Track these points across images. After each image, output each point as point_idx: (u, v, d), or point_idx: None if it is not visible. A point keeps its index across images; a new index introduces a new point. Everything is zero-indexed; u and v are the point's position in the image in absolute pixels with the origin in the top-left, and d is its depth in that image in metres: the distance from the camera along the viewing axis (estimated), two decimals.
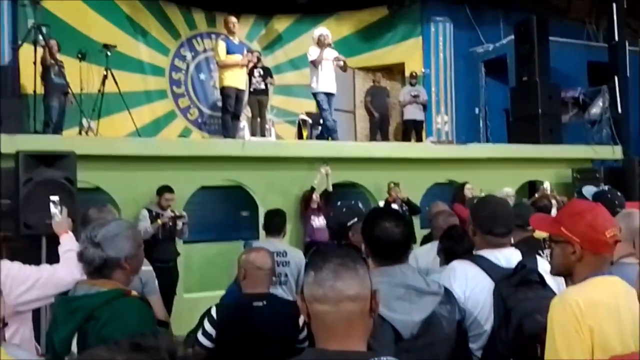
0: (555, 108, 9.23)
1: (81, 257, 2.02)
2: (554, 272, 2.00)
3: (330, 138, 8.01)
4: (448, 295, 2.08)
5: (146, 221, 5.74)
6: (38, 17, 7.00)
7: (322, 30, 8.39)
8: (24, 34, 7.24)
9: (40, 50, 6.92)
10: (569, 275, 1.90)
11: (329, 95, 8.10)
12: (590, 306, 1.71)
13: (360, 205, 3.62)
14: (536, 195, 7.33)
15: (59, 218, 3.02)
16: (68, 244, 2.79)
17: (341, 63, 8.22)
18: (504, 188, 7.18)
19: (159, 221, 5.71)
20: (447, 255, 3.08)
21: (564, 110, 9.94)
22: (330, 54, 8.14)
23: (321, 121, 8.41)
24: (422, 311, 1.95)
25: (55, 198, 3.15)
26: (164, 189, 5.90)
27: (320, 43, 8.10)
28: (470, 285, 2.25)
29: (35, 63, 6.78)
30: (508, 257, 2.30)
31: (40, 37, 6.84)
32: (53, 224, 3.01)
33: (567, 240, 1.86)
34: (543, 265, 2.32)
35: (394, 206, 6.76)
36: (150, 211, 5.85)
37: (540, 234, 3.92)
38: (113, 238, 2.00)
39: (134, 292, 2.04)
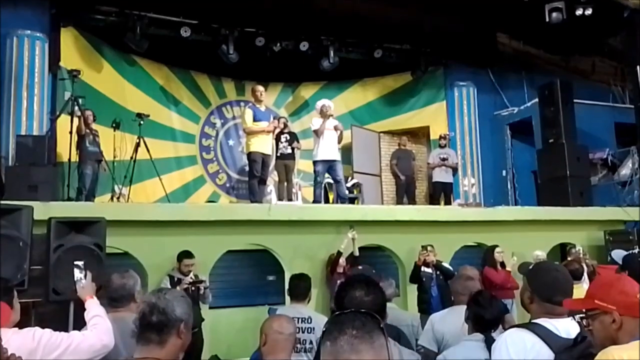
0: (584, 170, 9.15)
1: (145, 322, 1.96)
2: (599, 348, 1.94)
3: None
4: None
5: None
6: (76, 89, 7.35)
7: (324, 101, 8.66)
8: (62, 106, 7.60)
9: (76, 120, 7.25)
10: (616, 343, 1.89)
11: (331, 162, 8.28)
12: None
13: (373, 272, 3.59)
14: (568, 258, 7.16)
15: (83, 283, 3.04)
16: (94, 310, 2.80)
17: (338, 132, 8.42)
18: (535, 251, 7.05)
19: (179, 287, 5.72)
20: (475, 322, 3.00)
21: (593, 171, 9.84)
22: (332, 123, 8.36)
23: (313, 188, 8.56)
24: None
25: (79, 263, 3.20)
26: (183, 255, 5.92)
27: (323, 113, 8.35)
28: (530, 356, 2.15)
29: (71, 132, 7.09)
30: (566, 327, 2.21)
31: (77, 108, 7.18)
32: (77, 289, 3.03)
33: (604, 312, 1.90)
34: None
35: (427, 270, 6.63)
36: (172, 277, 5.87)
37: None
38: (173, 302, 2.00)
39: None
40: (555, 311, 2.24)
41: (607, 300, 1.89)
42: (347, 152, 11.07)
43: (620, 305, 1.86)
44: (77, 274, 3.06)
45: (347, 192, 8.98)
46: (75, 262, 3.12)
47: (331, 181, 9.25)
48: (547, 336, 2.16)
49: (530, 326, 2.26)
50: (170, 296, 2.02)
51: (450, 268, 6.69)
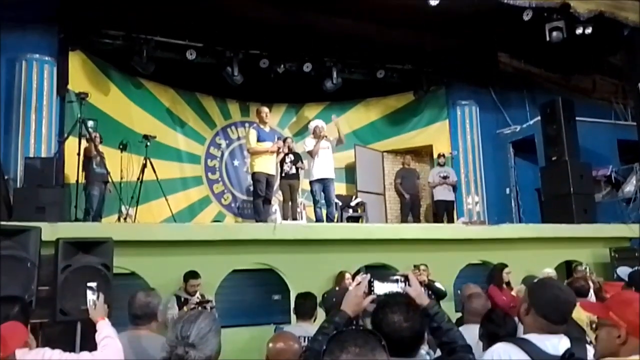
0: (588, 187, 9.16)
1: None
2: (598, 355, 2.02)
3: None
4: None
5: (174, 309, 5.76)
6: (84, 112, 7.46)
7: (317, 122, 8.93)
8: (70, 128, 7.71)
9: (84, 142, 7.35)
10: (614, 357, 1.96)
11: (325, 180, 8.50)
12: None
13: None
14: (574, 275, 7.15)
15: (95, 304, 3.06)
16: (105, 331, 2.82)
17: (332, 139, 8.68)
18: (545, 269, 7.01)
19: (185, 308, 5.74)
20: (490, 340, 3.00)
21: (596, 189, 9.85)
22: (326, 144, 8.60)
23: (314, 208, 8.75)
24: None
25: (92, 284, 3.23)
26: (189, 275, 5.93)
27: (316, 134, 8.60)
28: None
29: (79, 154, 7.19)
30: (556, 344, 2.20)
31: (88, 130, 7.29)
32: (90, 310, 3.05)
33: (613, 325, 1.97)
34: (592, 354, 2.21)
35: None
36: (178, 297, 5.88)
37: (579, 317, 3.82)
38: (207, 335, 1.93)
39: None
40: (548, 328, 2.24)
41: (621, 316, 1.96)
42: (350, 171, 11.14)
43: (631, 325, 1.93)
44: (90, 295, 3.08)
45: (350, 210, 9.08)
46: (89, 284, 3.14)
47: (336, 200, 9.33)
48: (533, 352, 2.17)
49: (518, 341, 2.28)
50: (197, 338, 1.90)
51: (442, 288, 6.60)
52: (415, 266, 6.69)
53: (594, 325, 2.14)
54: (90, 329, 3.04)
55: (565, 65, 10.99)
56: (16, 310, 2.51)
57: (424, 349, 2.63)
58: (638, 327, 1.93)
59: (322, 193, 8.56)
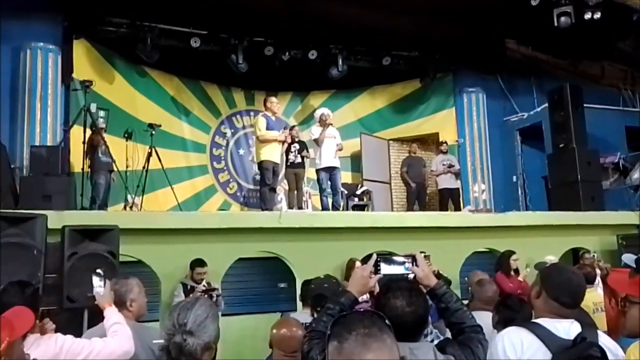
0: (595, 174, 9.10)
1: (179, 350, 1.83)
2: (626, 333, 1.97)
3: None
4: None
5: (180, 297, 5.78)
6: (88, 100, 7.45)
7: (323, 110, 8.93)
8: (75, 116, 7.71)
9: (88, 131, 7.34)
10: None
11: (332, 169, 8.51)
12: None
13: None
14: (581, 262, 7.11)
15: (102, 291, 3.05)
16: (113, 317, 2.82)
17: (340, 147, 8.72)
18: (546, 256, 6.99)
19: (192, 296, 5.76)
20: (506, 326, 2.98)
21: (604, 176, 9.78)
22: (332, 132, 8.60)
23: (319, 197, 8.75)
24: None
25: (99, 271, 3.23)
26: (195, 263, 5.96)
27: (322, 122, 8.60)
28: (526, 355, 2.13)
29: (84, 143, 7.19)
30: (567, 328, 2.17)
31: (90, 119, 7.29)
32: (97, 297, 3.04)
33: None
34: (604, 339, 2.18)
35: None
36: (185, 285, 5.92)
37: (586, 304, 3.80)
38: (204, 322, 1.90)
39: None
40: (560, 312, 2.22)
41: None
42: (356, 159, 11.11)
43: None
44: (97, 281, 3.07)
45: (356, 199, 9.08)
46: (97, 271, 3.14)
47: (342, 189, 9.32)
48: (545, 336, 2.13)
49: (529, 325, 2.24)
50: (194, 325, 1.87)
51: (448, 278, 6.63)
52: (421, 252, 6.69)
53: (621, 302, 2.04)
54: (97, 315, 3.04)
55: (573, 51, 10.86)
56: (24, 295, 2.51)
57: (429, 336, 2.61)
58: None
59: (328, 181, 8.54)
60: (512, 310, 3.00)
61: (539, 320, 2.24)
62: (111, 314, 2.86)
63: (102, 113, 7.89)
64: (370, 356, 1.34)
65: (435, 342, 2.43)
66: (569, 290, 2.23)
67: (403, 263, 2.19)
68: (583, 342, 2.05)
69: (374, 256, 2.21)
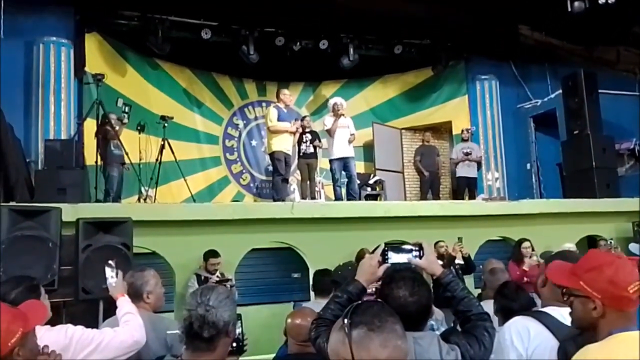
0: (611, 160, 9.00)
1: (202, 320, 1.91)
2: (576, 327, 1.86)
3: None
4: None
5: (194, 287, 5.84)
6: (101, 93, 7.50)
7: (336, 99, 8.84)
8: (87, 110, 7.77)
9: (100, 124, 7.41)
10: (593, 330, 1.75)
11: (345, 159, 8.44)
12: None
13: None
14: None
15: (114, 282, 3.07)
16: (125, 307, 2.84)
17: (352, 138, 8.62)
18: (565, 244, 6.93)
19: None
20: (504, 314, 2.98)
21: (619, 162, 9.65)
22: (345, 122, 8.53)
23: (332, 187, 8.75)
24: None
25: (111, 262, 3.26)
26: (209, 254, 6.01)
27: (335, 112, 8.54)
28: (534, 344, 2.13)
29: (98, 136, 7.25)
30: None
31: (102, 112, 7.34)
32: (109, 288, 3.05)
33: (586, 296, 1.73)
34: None
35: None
36: (199, 276, 5.98)
37: None
38: (226, 300, 1.98)
39: None
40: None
41: (593, 286, 1.70)
42: (369, 149, 11.09)
43: (605, 296, 1.68)
44: (109, 272, 3.10)
45: (368, 189, 9.04)
46: (109, 262, 3.17)
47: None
48: (552, 324, 2.12)
49: (536, 314, 2.23)
50: (216, 301, 1.95)
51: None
52: (459, 238, 6.79)
53: (564, 298, 1.90)
54: (112, 306, 3.07)
55: (588, 37, 10.68)
56: (20, 289, 2.51)
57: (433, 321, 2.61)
58: (615, 297, 1.67)
59: (342, 171, 8.50)
60: (508, 299, 3.00)
61: (546, 309, 2.23)
62: (124, 304, 2.88)
63: (126, 108, 7.96)
64: (400, 342, 1.40)
65: (436, 326, 2.43)
66: None
67: (410, 251, 2.20)
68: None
69: (382, 245, 2.21)
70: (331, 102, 8.88)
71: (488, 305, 3.51)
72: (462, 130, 10.45)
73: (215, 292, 1.99)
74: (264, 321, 7.58)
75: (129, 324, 2.70)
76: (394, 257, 2.18)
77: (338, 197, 8.48)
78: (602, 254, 1.91)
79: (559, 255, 2.46)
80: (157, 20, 9.21)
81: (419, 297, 2.00)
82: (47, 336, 2.39)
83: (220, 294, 1.99)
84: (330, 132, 8.52)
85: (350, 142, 8.58)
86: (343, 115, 8.57)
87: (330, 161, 8.59)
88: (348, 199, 8.30)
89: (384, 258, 2.18)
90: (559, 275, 1.88)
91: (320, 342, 2.07)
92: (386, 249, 2.20)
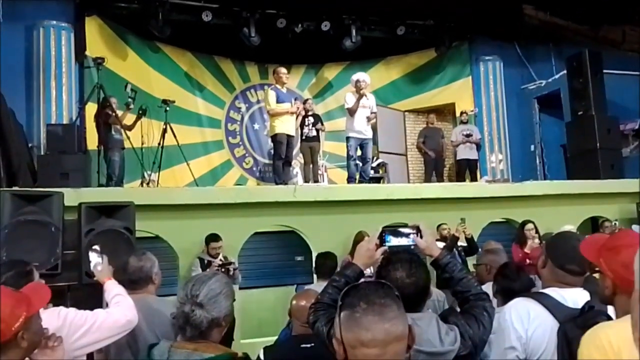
0: (615, 141, 8.95)
1: (185, 319, 1.92)
2: (600, 301, 1.86)
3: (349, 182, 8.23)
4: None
5: (197, 271, 5.85)
6: (101, 77, 7.46)
7: (359, 75, 8.45)
8: (89, 94, 7.74)
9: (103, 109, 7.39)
10: (612, 306, 1.77)
11: (363, 140, 8.24)
12: (625, 343, 1.50)
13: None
14: (601, 231, 7.05)
15: (100, 266, 3.05)
16: (114, 290, 2.82)
17: (373, 117, 8.46)
18: (564, 225, 6.92)
19: (209, 270, 5.83)
20: (504, 296, 2.97)
21: (624, 143, 9.61)
22: (367, 102, 8.24)
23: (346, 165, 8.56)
24: None
25: (96, 247, 3.24)
26: (210, 238, 6.02)
27: (358, 88, 8.20)
28: (534, 325, 2.14)
29: (99, 120, 7.22)
30: (575, 297, 2.16)
31: (102, 96, 7.31)
32: (95, 273, 3.04)
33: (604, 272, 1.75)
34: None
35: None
36: (202, 260, 5.99)
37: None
38: (217, 297, 1.96)
39: (240, 354, 1.97)
40: (566, 280, 2.20)
41: (609, 265, 1.71)
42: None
43: (617, 276, 1.69)
44: (94, 257, 3.09)
45: (372, 171, 8.97)
46: (93, 247, 3.15)
47: (357, 162, 9.25)
48: (552, 306, 2.12)
49: (536, 296, 2.23)
50: (205, 298, 1.93)
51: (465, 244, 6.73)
52: (461, 220, 6.72)
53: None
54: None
55: (593, 16, 10.56)
56: (11, 274, 2.51)
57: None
58: (624, 280, 1.64)
59: (358, 150, 8.30)
60: (509, 279, 2.99)
61: (546, 290, 2.23)
62: (112, 286, 2.86)
63: (133, 94, 7.94)
64: (387, 325, 1.37)
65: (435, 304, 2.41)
66: (574, 257, 2.17)
67: (408, 234, 2.19)
68: (591, 311, 2.02)
69: (380, 228, 2.20)
70: (354, 77, 8.43)
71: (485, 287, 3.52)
72: (461, 112, 10.42)
73: (207, 287, 1.95)
74: (268, 304, 7.65)
75: (121, 304, 2.70)
76: (392, 240, 2.17)
77: (351, 175, 8.30)
78: (629, 236, 1.84)
79: (559, 237, 2.45)
80: (158, 3, 9.11)
81: (417, 279, 2.00)
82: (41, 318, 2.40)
83: (212, 289, 1.95)
84: (350, 112, 8.18)
85: (369, 120, 8.31)
86: (365, 95, 8.22)
87: (347, 138, 8.31)
88: (359, 181, 8.22)
89: (382, 241, 2.17)
90: (587, 248, 1.87)
91: (319, 325, 2.07)
92: (383, 232, 2.19)
